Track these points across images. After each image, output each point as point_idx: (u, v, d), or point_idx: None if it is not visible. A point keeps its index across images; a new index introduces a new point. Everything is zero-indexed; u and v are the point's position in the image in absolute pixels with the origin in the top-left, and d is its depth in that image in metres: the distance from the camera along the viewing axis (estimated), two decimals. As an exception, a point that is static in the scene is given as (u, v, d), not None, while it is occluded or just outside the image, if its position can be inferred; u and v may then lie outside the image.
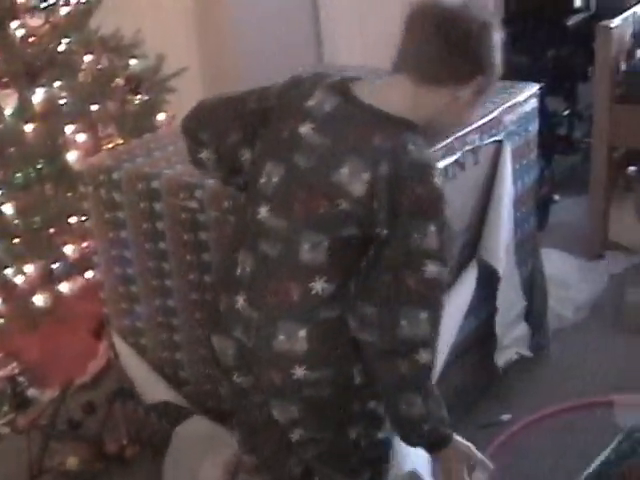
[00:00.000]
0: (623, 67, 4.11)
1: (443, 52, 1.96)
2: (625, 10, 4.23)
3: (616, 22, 4.03)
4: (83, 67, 3.67)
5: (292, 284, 2.01)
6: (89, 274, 3.55)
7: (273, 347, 2.03)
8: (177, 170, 2.73)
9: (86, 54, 3.68)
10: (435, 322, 1.97)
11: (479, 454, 2.16)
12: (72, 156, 3.50)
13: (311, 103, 2.04)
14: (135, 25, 3.93)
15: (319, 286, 2.00)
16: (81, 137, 3.55)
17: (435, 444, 2.10)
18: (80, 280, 3.58)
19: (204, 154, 2.26)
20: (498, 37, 2.02)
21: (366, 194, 1.92)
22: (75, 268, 3.57)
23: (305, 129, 2.02)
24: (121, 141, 3.62)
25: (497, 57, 2.03)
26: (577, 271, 4.06)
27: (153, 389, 3.03)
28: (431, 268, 1.92)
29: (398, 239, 1.92)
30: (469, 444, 2.15)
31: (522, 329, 3.44)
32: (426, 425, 2.04)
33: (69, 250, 3.54)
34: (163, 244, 2.78)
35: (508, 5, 5.13)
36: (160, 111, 3.85)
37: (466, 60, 1.98)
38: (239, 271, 2.10)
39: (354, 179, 1.93)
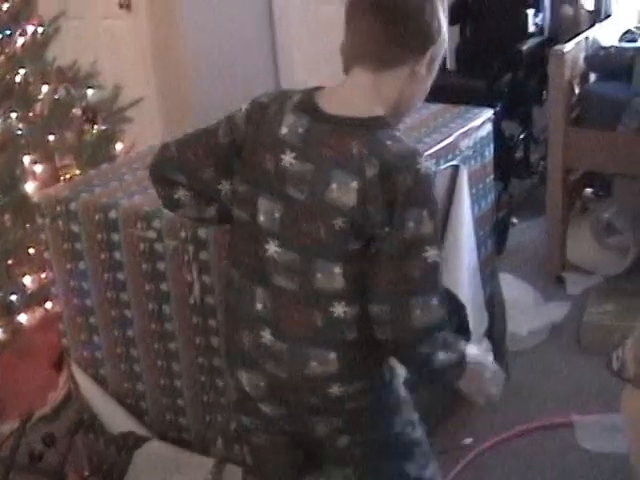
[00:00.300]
0: (577, 90, 4.17)
1: (394, 33, 1.96)
2: (578, 34, 4.29)
3: (569, 46, 4.09)
4: (40, 98, 3.67)
5: (314, 312, 2.02)
6: (48, 305, 3.54)
7: (307, 374, 2.05)
8: (134, 200, 2.73)
9: (43, 85, 3.69)
10: (444, 303, 1.99)
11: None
12: (30, 187, 3.49)
13: (284, 131, 2.01)
14: (92, 55, 3.93)
15: (340, 310, 2.01)
16: (39, 168, 3.55)
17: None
18: (39, 311, 3.56)
19: (179, 193, 2.21)
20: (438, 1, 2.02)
21: (358, 201, 1.92)
22: (34, 299, 3.56)
23: (287, 159, 2.00)
24: (78, 171, 3.62)
25: (443, 21, 2.02)
26: (535, 295, 4.08)
27: (116, 419, 3.01)
28: (431, 253, 1.92)
29: (394, 232, 1.91)
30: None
31: (486, 346, 3.46)
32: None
33: (28, 281, 3.52)
34: (121, 274, 2.78)
35: (463, 31, 5.19)
36: (117, 141, 3.86)
37: (418, 34, 1.98)
38: (259, 307, 2.09)
39: (344, 190, 1.92)
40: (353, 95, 2.02)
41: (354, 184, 1.91)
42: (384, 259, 1.94)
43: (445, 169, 3.05)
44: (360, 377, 2.08)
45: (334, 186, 1.93)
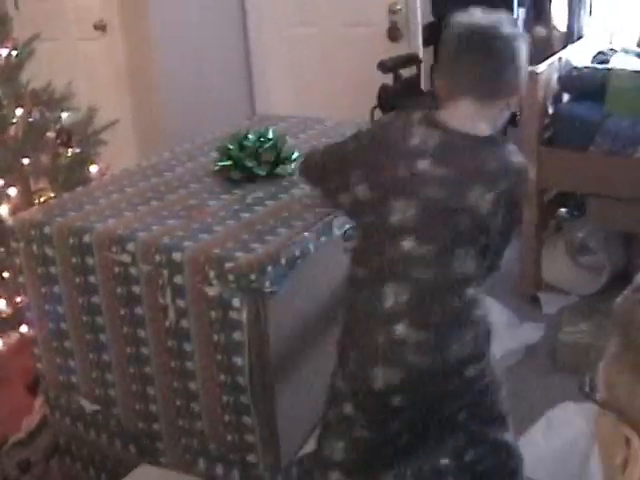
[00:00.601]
0: (550, 111, 4.20)
1: (498, 70, 2.29)
2: (551, 55, 4.32)
3: (542, 67, 4.11)
4: (14, 121, 3.66)
5: (452, 297, 2.28)
6: (23, 329, 3.52)
7: (449, 358, 2.27)
8: (109, 224, 2.73)
9: (17, 107, 3.68)
10: None
11: None
12: (3, 210, 3.48)
13: (415, 142, 2.30)
14: (67, 77, 3.92)
15: (472, 292, 2.31)
16: (13, 191, 3.54)
17: None
18: (14, 335, 3.55)
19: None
20: None
21: (492, 209, 2.27)
22: (8, 323, 3.54)
23: (423, 166, 2.27)
24: (53, 195, 3.61)
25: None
26: (509, 315, 4.09)
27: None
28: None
29: (505, 226, 2.35)
30: None
31: None
32: None
33: (2, 305, 3.51)
34: (96, 298, 2.77)
35: (437, 53, 5.21)
36: (92, 164, 3.85)
37: (517, 76, 2.31)
38: (390, 303, 2.26)
39: (481, 201, 2.25)
40: (466, 118, 2.31)
41: (489, 196, 2.25)
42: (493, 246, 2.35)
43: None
44: (484, 356, 2.35)
45: (472, 194, 2.25)
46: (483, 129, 2.31)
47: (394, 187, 2.30)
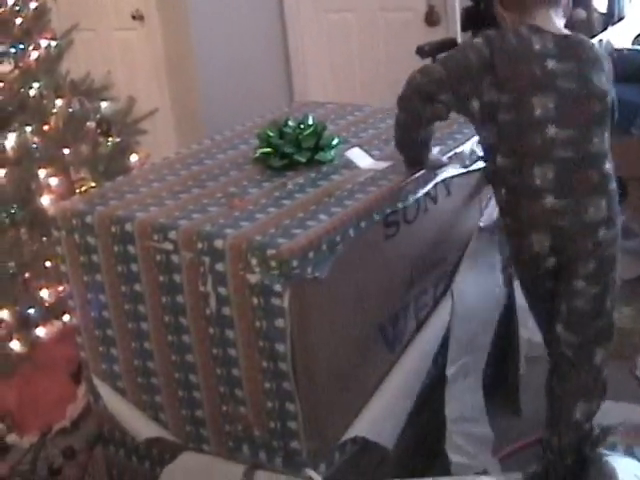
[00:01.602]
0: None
1: None
2: (591, 37, 4.28)
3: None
4: (54, 111, 3.67)
5: (591, 171, 2.71)
6: (65, 318, 3.54)
7: (585, 220, 2.70)
8: (150, 212, 2.73)
9: (57, 98, 3.69)
10: None
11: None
12: (45, 200, 3.50)
13: (538, 46, 2.71)
14: (105, 67, 3.94)
15: (607, 166, 2.75)
16: (54, 181, 3.55)
17: None
18: (56, 324, 3.57)
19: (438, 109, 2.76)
20: None
21: (608, 87, 2.77)
22: (51, 312, 3.56)
23: (552, 64, 2.70)
24: (94, 184, 3.63)
25: None
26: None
27: (141, 426, 3.01)
28: None
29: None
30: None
31: None
32: None
33: (45, 294, 3.53)
34: (138, 286, 2.78)
35: (476, 37, 5.17)
36: (132, 153, 3.86)
37: None
38: (539, 181, 2.68)
39: (600, 82, 2.74)
40: (552, 24, 2.77)
41: (603, 77, 2.75)
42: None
43: (461, 177, 3.06)
44: (615, 224, 2.76)
45: (594, 80, 2.72)
46: (564, 29, 2.80)
47: (532, 86, 2.69)
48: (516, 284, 3.28)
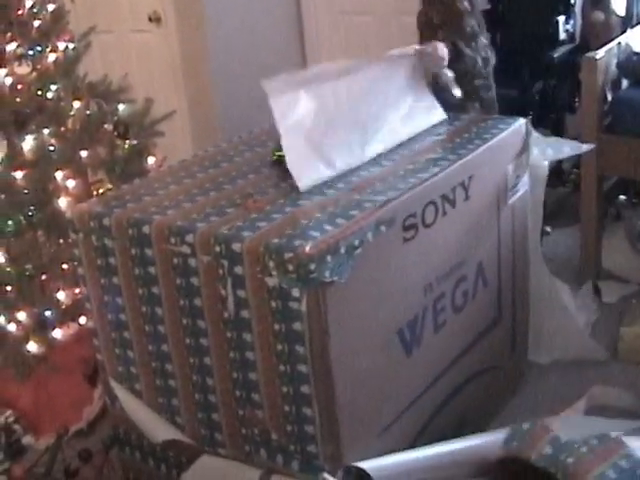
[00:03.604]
0: (609, 97, 4.13)
1: None
2: (610, 41, 4.26)
3: (601, 53, 4.05)
4: (72, 113, 3.68)
5: None
6: (82, 320, 3.55)
7: None
8: (168, 215, 2.73)
9: (74, 100, 3.70)
10: None
11: None
12: (62, 202, 3.51)
13: None
14: (122, 69, 3.94)
15: None
16: (71, 183, 3.56)
17: None
18: (73, 326, 3.58)
19: None
20: None
21: None
22: (68, 314, 3.57)
23: None
24: (111, 186, 3.63)
25: None
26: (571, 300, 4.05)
27: (158, 428, 3.00)
28: None
29: None
30: None
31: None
32: None
33: (62, 297, 3.53)
34: (155, 289, 2.77)
35: (493, 39, 5.16)
36: (149, 155, 3.86)
37: None
38: None
39: None
40: None
41: None
42: None
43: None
44: None
45: None
46: None
47: None
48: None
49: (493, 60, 3.68)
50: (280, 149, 3.01)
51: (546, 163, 3.47)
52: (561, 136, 4.90)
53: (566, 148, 3.54)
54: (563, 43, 4.84)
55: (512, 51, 4.84)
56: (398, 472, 2.70)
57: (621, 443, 2.63)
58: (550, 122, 4.86)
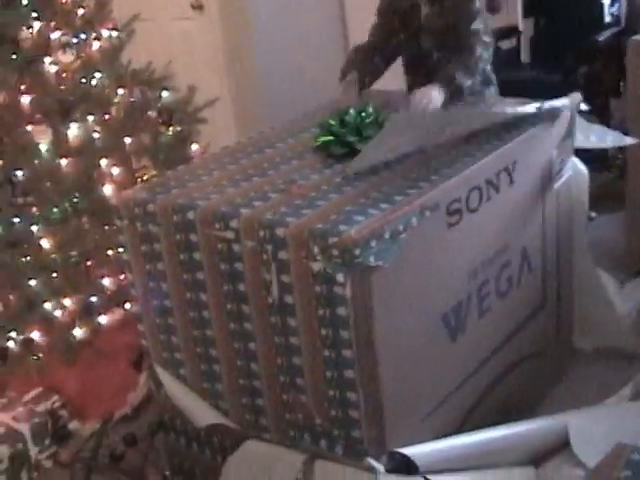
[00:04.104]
0: (655, 80, 4.08)
1: None
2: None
3: (646, 35, 4.01)
4: (116, 101, 3.70)
5: None
6: (127, 306, 3.58)
7: None
8: (212, 201, 2.73)
9: (118, 88, 3.72)
10: None
11: None
12: (107, 189, 3.53)
13: None
14: (166, 57, 3.95)
15: None
16: (115, 170, 3.59)
17: None
18: (118, 312, 3.61)
19: None
20: None
21: None
22: (113, 300, 3.60)
23: None
24: (155, 173, 3.65)
25: None
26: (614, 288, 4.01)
27: (203, 413, 3.02)
28: None
29: None
30: None
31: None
32: None
33: (107, 283, 3.56)
34: (200, 274, 2.78)
35: (537, 23, 5.13)
36: (193, 142, 3.88)
37: None
38: None
39: None
40: None
41: None
42: None
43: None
44: None
45: None
46: None
47: None
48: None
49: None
50: (324, 135, 3.02)
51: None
52: (607, 120, 4.88)
53: (609, 137, 3.52)
54: (608, 26, 4.80)
55: (556, 35, 4.82)
56: (442, 458, 2.69)
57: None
58: (595, 107, 4.81)
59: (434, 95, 3.22)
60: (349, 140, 2.98)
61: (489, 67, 3.49)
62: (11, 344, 3.53)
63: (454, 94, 3.30)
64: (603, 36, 4.69)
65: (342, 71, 3.54)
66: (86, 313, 3.56)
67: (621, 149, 4.67)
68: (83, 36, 3.65)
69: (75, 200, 3.51)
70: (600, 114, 4.86)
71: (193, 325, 2.89)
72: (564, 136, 3.26)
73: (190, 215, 2.71)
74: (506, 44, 5.01)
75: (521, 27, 5.12)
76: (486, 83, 3.51)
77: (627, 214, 4.30)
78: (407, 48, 3.65)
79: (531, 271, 3.21)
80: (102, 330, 3.59)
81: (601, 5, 4.74)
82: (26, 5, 3.48)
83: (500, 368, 3.12)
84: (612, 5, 4.78)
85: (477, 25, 3.39)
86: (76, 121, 3.52)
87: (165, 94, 3.85)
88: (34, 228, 3.48)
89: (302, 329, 2.56)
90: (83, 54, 3.63)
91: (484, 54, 3.37)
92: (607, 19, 4.80)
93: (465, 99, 3.38)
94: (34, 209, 3.50)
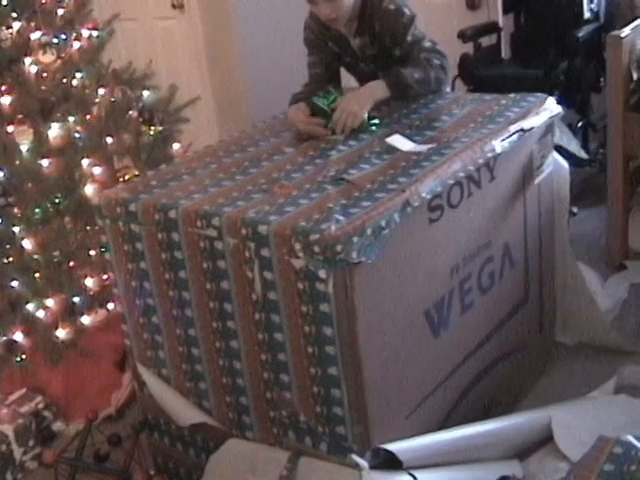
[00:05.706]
0: (635, 76, 4.10)
1: None
2: (634, 19, 4.23)
3: (626, 31, 4.02)
4: (97, 101, 3.70)
5: None
6: (110, 306, 3.57)
7: None
8: (194, 199, 2.73)
9: (99, 88, 3.72)
10: None
11: None
12: (89, 189, 3.52)
13: None
14: (147, 57, 3.95)
15: None
16: (97, 170, 3.58)
17: None
18: (101, 312, 3.60)
19: None
20: None
21: None
22: (96, 300, 3.59)
23: None
24: (137, 173, 3.65)
25: None
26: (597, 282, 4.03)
27: (186, 413, 3.02)
28: None
29: None
30: None
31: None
32: None
33: (90, 283, 3.55)
34: (183, 273, 2.78)
35: (517, 19, 5.14)
36: (174, 141, 3.87)
37: None
38: None
39: None
40: None
41: None
42: None
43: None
44: None
45: None
46: None
47: None
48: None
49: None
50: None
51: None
52: (587, 116, 4.90)
53: (573, 144, 3.56)
54: (588, 22, 4.81)
55: (536, 31, 4.83)
56: (427, 454, 2.70)
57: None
58: (576, 102, 4.83)
59: (364, 105, 3.17)
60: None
61: (444, 69, 3.38)
62: (-6, 345, 3.52)
63: (402, 92, 3.28)
64: (583, 32, 4.71)
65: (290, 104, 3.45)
66: (69, 313, 3.55)
67: (602, 144, 4.70)
68: (63, 36, 3.65)
69: (57, 200, 3.51)
70: (580, 109, 4.88)
71: (176, 324, 2.89)
72: (545, 131, 3.27)
73: (172, 214, 2.71)
74: (486, 41, 5.02)
75: (501, 23, 5.13)
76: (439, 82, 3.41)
77: (608, 208, 4.32)
78: (352, 70, 3.68)
79: (513, 266, 3.22)
80: (85, 330, 3.58)
81: (580, 1, 4.76)
82: (6, 5, 3.47)
83: (483, 363, 3.13)
84: (591, 1, 4.80)
85: (414, 37, 3.35)
86: (57, 121, 3.52)
87: (146, 93, 3.85)
88: (16, 229, 3.47)
89: (286, 326, 2.57)
90: (64, 54, 3.62)
91: (434, 60, 3.30)
92: (587, 15, 4.82)
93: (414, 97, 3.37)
94: (15, 209, 3.50)
